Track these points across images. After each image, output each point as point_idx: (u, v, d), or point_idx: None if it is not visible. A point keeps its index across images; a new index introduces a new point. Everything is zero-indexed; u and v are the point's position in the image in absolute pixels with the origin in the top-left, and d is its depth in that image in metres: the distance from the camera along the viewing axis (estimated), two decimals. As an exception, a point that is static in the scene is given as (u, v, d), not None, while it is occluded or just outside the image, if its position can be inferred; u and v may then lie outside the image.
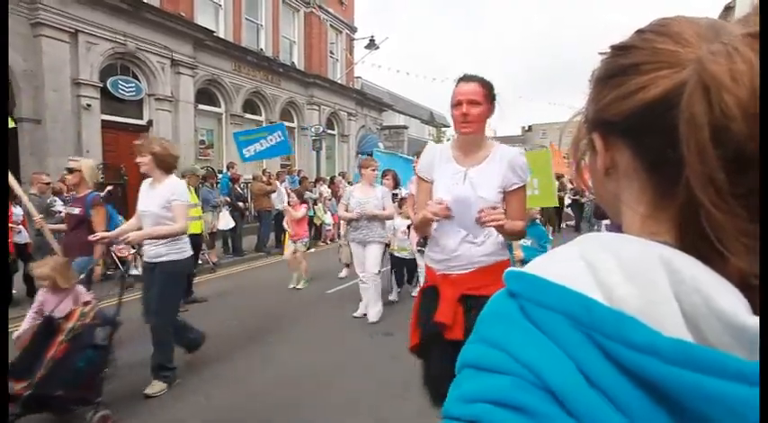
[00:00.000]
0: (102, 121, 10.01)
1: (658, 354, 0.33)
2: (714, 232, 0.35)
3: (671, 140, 0.37)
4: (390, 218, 5.29)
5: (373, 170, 5.27)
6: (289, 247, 6.98)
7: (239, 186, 9.49)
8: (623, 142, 0.44)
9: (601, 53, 0.46)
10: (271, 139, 6.94)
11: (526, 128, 58.93)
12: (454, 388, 0.40)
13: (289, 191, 7.77)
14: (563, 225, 13.76)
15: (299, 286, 6.82)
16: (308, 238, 7.04)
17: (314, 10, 17.24)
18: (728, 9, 14.35)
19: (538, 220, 4.55)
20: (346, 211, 5.26)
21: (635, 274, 0.36)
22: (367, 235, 5.10)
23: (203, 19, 12.67)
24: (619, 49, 0.44)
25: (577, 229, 13.11)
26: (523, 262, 3.71)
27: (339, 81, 18.82)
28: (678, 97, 0.37)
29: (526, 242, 4.03)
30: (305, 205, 7.25)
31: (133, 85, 10.74)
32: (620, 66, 0.43)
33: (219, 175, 10.86)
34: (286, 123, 16.35)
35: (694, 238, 0.37)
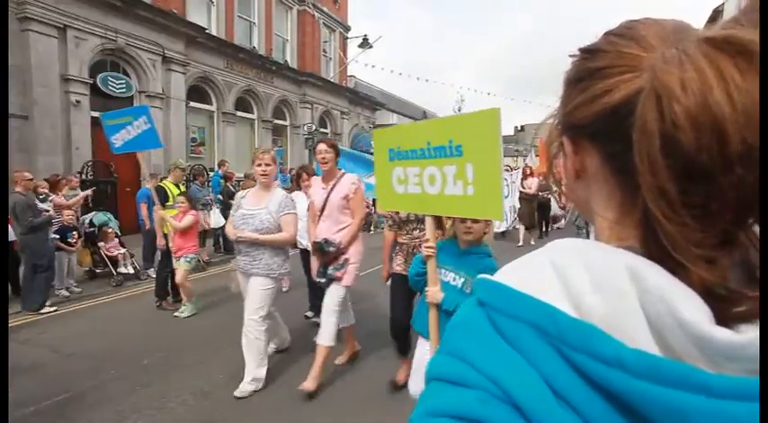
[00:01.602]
0: (92, 117, 9.88)
1: (623, 366, 0.32)
2: (667, 242, 0.35)
3: (632, 146, 0.37)
4: (286, 243, 3.57)
5: (267, 166, 3.49)
6: (177, 266, 5.44)
7: (232, 185, 9.42)
8: (591, 146, 0.43)
9: (571, 56, 0.46)
10: (138, 126, 5.43)
11: (519, 128, 59.12)
12: (421, 402, 0.40)
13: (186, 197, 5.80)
14: (551, 227, 12.24)
15: (181, 314, 5.40)
16: (196, 254, 5.66)
17: (307, 8, 17.16)
18: (717, 13, 14.45)
19: (487, 243, 2.57)
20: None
21: (602, 283, 0.36)
22: (249, 263, 3.49)
23: (195, 16, 12.55)
24: (586, 52, 0.44)
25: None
26: (441, 308, 2.22)
27: (332, 80, 18.75)
28: (637, 103, 0.36)
29: (455, 280, 2.37)
30: (193, 212, 5.63)
31: (123, 81, 10.63)
32: (587, 69, 0.42)
33: (211, 173, 10.81)
34: (279, 122, 16.41)
35: (656, 245, 0.37)
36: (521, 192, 10.27)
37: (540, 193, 10.96)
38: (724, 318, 0.34)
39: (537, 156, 14.42)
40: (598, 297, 0.36)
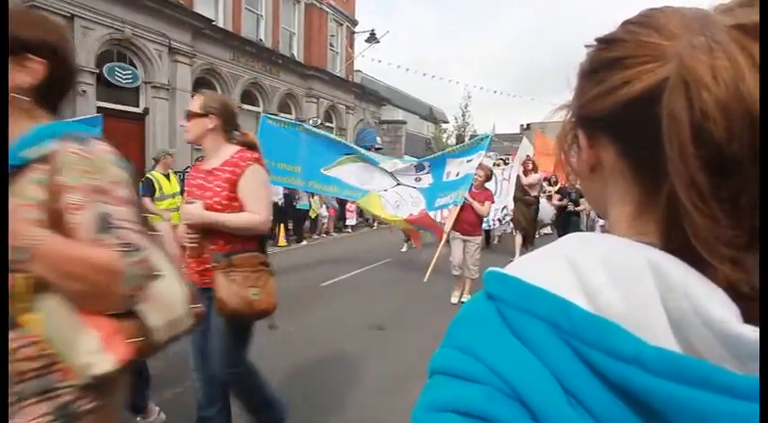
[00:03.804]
0: (98, 108, 9.90)
1: (642, 364, 0.31)
2: (694, 237, 0.34)
3: (654, 138, 0.35)
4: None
5: None
6: None
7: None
8: (608, 139, 0.42)
9: (587, 46, 0.44)
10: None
11: (524, 126, 58.90)
12: (424, 395, 0.38)
13: None
14: (539, 233, 10.24)
15: None
16: None
17: (315, 2, 17.11)
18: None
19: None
20: None
21: (620, 277, 0.35)
22: None
23: (202, 7, 12.53)
24: (604, 43, 0.42)
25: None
26: None
27: (338, 74, 18.71)
28: (661, 93, 0.35)
29: None
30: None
31: (130, 72, 10.64)
32: (605, 59, 0.41)
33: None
34: (284, 115, 16.36)
35: (682, 241, 0.35)
36: (522, 190, 8.21)
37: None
38: (751, 317, 0.33)
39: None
40: (615, 292, 0.34)
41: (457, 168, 6.26)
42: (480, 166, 5.92)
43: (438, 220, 8.00)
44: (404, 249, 9.28)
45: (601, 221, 7.55)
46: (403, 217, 6.25)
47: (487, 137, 6.39)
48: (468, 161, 6.15)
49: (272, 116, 7.03)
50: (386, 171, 6.50)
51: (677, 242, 0.36)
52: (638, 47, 0.38)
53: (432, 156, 6.94)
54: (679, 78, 0.34)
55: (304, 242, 10.66)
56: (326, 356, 4.02)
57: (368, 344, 4.34)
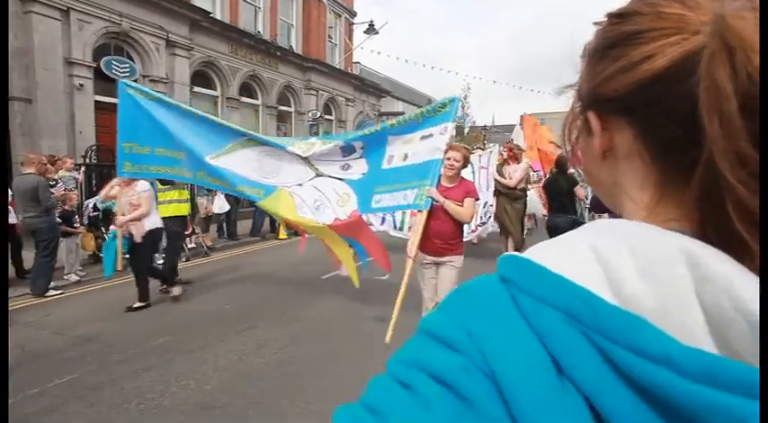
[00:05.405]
0: (96, 101, 9.85)
1: (672, 365, 0.28)
2: (743, 219, 0.30)
3: (680, 117, 0.33)
4: None
5: None
6: None
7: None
8: (625, 121, 0.39)
9: (596, 23, 0.41)
10: None
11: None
12: (404, 347, 0.37)
13: None
14: (526, 229, 8.09)
15: None
16: None
17: (313, -8, 16.94)
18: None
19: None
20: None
21: (650, 267, 0.32)
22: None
23: (200, -1, 12.44)
24: (618, 17, 0.39)
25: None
26: None
27: (337, 66, 18.58)
28: (689, 66, 0.32)
29: None
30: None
31: (127, 65, 10.55)
32: (621, 34, 0.37)
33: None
34: (283, 108, 16.28)
35: (714, 228, 0.32)
36: (497, 182, 6.95)
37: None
38: None
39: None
40: (644, 284, 0.31)
41: (404, 148, 4.12)
42: (454, 146, 3.80)
43: (399, 230, 6.70)
44: (342, 272, 4.85)
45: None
46: (326, 222, 4.30)
47: (453, 101, 4.05)
48: (425, 138, 3.97)
49: (132, 84, 4.93)
50: (299, 157, 4.55)
51: (712, 229, 0.33)
52: (659, 19, 0.35)
53: (366, 132, 4.61)
54: (721, 44, 0.31)
55: (306, 235, 10.66)
56: (329, 349, 4.02)
57: (370, 336, 4.33)
